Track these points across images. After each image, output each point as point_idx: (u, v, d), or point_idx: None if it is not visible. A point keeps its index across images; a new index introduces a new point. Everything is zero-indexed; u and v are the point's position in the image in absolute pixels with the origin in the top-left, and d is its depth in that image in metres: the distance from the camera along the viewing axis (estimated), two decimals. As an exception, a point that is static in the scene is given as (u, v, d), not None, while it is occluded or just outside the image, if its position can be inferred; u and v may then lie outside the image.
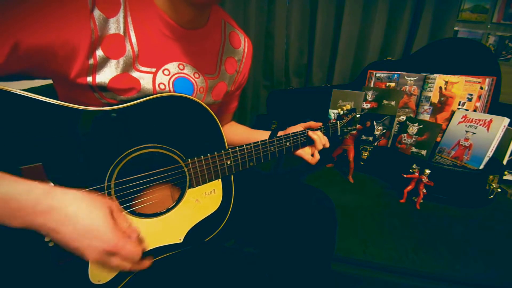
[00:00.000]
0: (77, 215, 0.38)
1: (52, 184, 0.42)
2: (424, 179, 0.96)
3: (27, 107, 0.39)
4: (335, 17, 1.47)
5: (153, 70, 0.53)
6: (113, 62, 0.47)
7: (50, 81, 0.53)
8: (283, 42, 1.53)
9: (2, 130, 0.38)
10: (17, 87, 0.39)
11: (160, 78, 0.54)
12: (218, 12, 0.63)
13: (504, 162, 1.05)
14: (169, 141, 0.52)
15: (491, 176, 0.98)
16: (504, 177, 1.16)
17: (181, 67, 0.57)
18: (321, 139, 0.75)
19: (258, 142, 0.65)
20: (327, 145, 0.76)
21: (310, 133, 0.74)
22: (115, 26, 0.46)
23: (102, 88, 0.48)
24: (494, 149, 1.00)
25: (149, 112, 0.50)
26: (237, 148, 0.61)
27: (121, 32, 0.47)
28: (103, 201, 0.42)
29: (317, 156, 0.76)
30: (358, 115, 0.88)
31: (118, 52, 0.47)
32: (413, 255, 0.78)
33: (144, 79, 0.52)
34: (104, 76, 0.47)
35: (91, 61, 0.45)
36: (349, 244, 0.82)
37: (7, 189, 0.35)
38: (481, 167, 1.01)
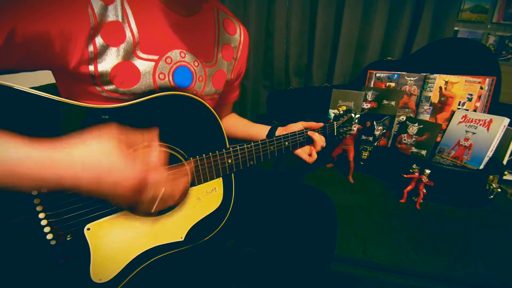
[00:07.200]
0: (92, 181, 0.37)
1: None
2: (424, 179, 0.96)
3: (31, 104, 0.39)
4: (335, 17, 1.47)
5: (156, 57, 0.52)
6: (113, 50, 0.47)
7: (50, 81, 0.53)
8: (283, 42, 1.53)
9: (6, 127, 0.37)
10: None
11: (161, 68, 0.54)
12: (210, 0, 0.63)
13: (504, 162, 1.05)
14: (171, 139, 0.53)
15: (491, 176, 0.98)
16: (504, 177, 1.16)
17: (182, 54, 0.57)
18: (320, 140, 0.76)
19: (258, 141, 0.65)
20: (324, 145, 0.77)
21: (310, 133, 0.75)
22: (113, 13, 0.46)
23: (104, 78, 0.48)
24: (494, 149, 1.00)
25: (151, 110, 0.50)
26: (238, 147, 0.62)
27: (120, 19, 0.47)
28: (110, 144, 0.39)
29: (315, 156, 0.77)
30: (354, 115, 0.89)
31: (118, 40, 0.47)
32: (413, 255, 0.78)
33: (145, 68, 0.51)
34: (106, 64, 0.47)
35: (91, 49, 0.45)
36: (349, 244, 0.81)
37: (17, 156, 0.34)
38: (481, 167, 1.02)
